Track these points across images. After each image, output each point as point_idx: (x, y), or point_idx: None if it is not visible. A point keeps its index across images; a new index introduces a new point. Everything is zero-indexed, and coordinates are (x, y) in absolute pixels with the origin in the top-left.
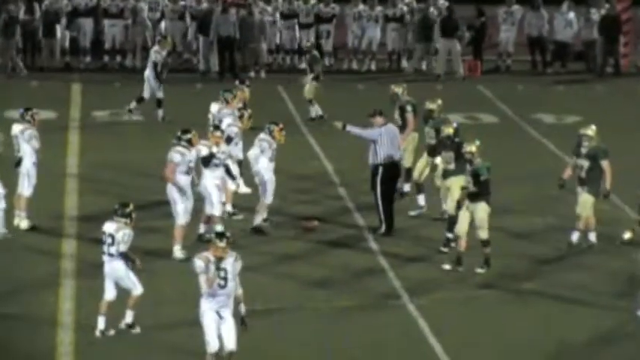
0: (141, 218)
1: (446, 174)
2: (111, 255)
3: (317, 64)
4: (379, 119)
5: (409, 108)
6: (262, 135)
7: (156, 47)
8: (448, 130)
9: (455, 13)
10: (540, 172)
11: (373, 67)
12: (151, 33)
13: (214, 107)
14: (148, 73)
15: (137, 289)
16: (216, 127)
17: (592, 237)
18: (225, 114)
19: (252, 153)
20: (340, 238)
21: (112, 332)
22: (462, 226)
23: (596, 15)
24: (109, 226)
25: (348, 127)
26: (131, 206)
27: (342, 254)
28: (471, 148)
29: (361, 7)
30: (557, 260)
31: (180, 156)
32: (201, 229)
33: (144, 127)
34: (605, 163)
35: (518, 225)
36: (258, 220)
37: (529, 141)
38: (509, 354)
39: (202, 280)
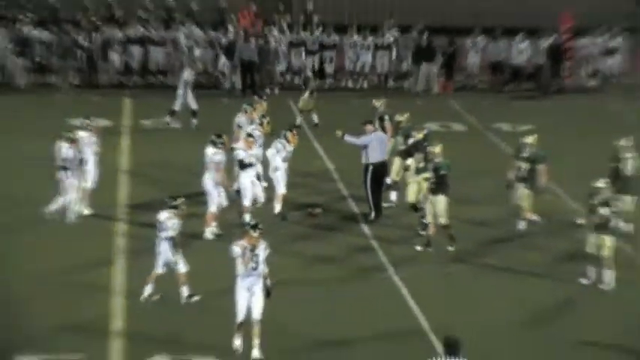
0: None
1: (418, 171)
2: (164, 239)
3: (310, 81)
4: (370, 127)
5: (387, 117)
6: (279, 138)
7: (188, 70)
8: (419, 136)
9: (433, 42)
10: (499, 170)
11: (365, 85)
12: (187, 58)
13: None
14: (181, 90)
15: (183, 268)
16: (250, 135)
17: (534, 217)
18: (241, 121)
19: (270, 151)
20: (339, 223)
21: (155, 297)
22: (429, 216)
23: (544, 44)
24: (161, 215)
25: (346, 137)
26: (180, 199)
27: (340, 235)
28: (433, 149)
29: (356, 37)
30: (514, 241)
31: (221, 156)
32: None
33: (181, 133)
34: (541, 167)
35: (481, 213)
36: (278, 207)
37: (490, 145)
38: (480, 317)
39: (239, 263)
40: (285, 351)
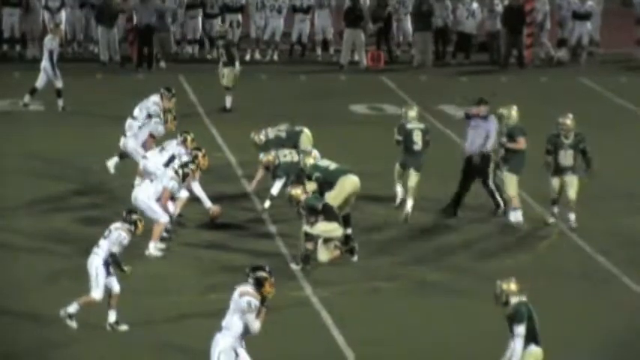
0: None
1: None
2: None
3: (233, 47)
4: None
5: None
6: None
7: (49, 36)
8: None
9: (359, 2)
10: (444, 167)
11: (276, 57)
12: (51, 22)
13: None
14: (45, 63)
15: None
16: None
17: (518, 216)
18: (155, 110)
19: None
20: (242, 224)
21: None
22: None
23: (499, 6)
24: None
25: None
26: None
27: (245, 240)
28: (307, 157)
29: None
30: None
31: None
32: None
33: (44, 117)
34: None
35: (426, 220)
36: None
37: (433, 133)
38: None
39: (253, 318)
40: None
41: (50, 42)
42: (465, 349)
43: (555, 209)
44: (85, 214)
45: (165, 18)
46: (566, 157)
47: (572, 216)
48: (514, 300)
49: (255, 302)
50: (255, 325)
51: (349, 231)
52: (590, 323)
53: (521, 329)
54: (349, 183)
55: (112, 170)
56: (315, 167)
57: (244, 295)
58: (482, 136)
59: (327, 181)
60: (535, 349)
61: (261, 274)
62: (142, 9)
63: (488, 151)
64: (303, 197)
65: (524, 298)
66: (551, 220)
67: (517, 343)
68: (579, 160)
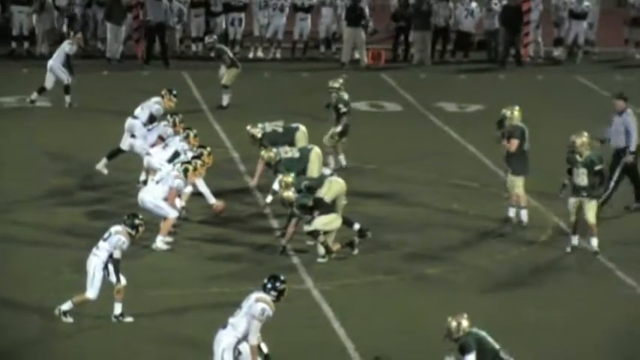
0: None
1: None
2: None
3: (224, 54)
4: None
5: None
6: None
7: (68, 41)
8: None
9: (360, 1)
10: (441, 161)
11: (278, 55)
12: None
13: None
14: (54, 62)
15: None
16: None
17: (523, 215)
18: (157, 110)
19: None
20: (245, 219)
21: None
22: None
23: (497, 5)
24: None
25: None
26: None
27: (247, 234)
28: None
29: None
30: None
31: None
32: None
33: (51, 113)
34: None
35: (425, 215)
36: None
37: (431, 129)
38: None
39: (258, 327)
40: None
41: (68, 46)
42: None
43: (575, 240)
44: (89, 209)
45: (170, 16)
46: (579, 177)
47: (593, 241)
48: (463, 333)
49: (269, 312)
50: (255, 337)
51: (357, 226)
52: (586, 316)
53: (470, 358)
54: (336, 184)
55: (105, 172)
56: (298, 184)
57: (260, 302)
58: (621, 132)
59: (314, 187)
60: None
61: (283, 286)
62: (153, 7)
63: (630, 147)
64: (294, 197)
65: (474, 329)
66: (569, 249)
67: None
68: (597, 181)
